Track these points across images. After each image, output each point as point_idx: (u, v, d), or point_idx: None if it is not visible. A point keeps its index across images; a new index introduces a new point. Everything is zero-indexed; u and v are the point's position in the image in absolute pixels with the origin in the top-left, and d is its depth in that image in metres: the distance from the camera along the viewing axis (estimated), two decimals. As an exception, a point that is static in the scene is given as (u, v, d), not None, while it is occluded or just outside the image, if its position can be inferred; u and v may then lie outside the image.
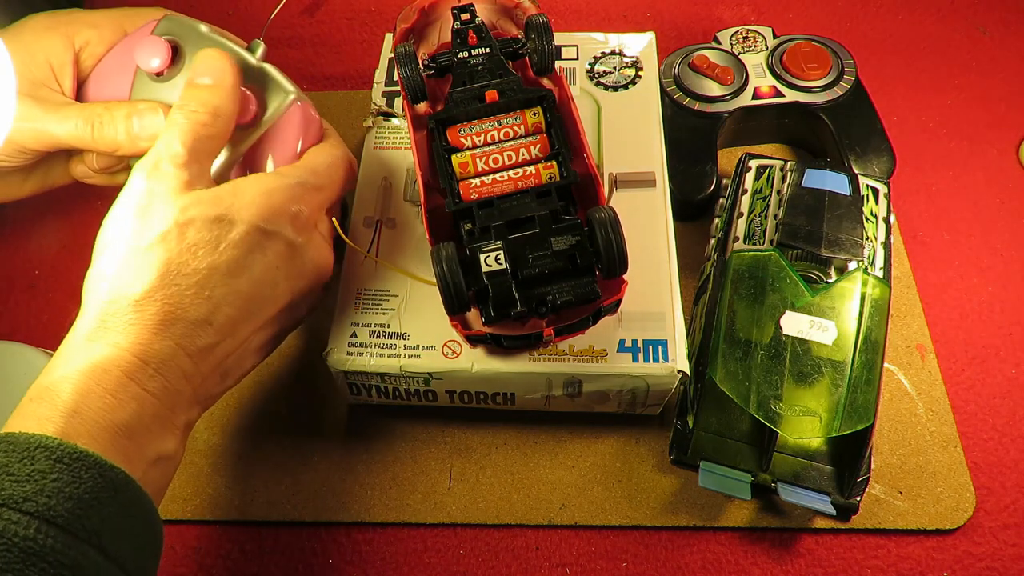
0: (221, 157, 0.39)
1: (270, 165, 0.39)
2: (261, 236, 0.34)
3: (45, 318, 0.50)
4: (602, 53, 0.50)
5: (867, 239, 0.41)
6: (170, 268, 0.32)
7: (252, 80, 0.39)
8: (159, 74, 0.39)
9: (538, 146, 0.38)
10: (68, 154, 0.44)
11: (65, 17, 0.40)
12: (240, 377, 0.37)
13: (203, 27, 0.40)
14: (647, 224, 0.42)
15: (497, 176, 0.37)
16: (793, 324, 0.39)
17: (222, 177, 0.39)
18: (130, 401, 0.30)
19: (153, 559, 0.29)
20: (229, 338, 0.34)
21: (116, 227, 0.33)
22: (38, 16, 0.40)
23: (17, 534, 0.24)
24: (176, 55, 0.39)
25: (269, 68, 0.39)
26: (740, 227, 0.43)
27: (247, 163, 0.40)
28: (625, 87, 0.48)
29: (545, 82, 0.42)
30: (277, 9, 0.44)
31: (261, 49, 0.40)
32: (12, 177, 0.43)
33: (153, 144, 0.36)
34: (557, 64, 0.44)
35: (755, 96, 0.52)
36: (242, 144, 0.39)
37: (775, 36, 0.55)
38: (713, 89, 0.52)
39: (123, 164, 0.43)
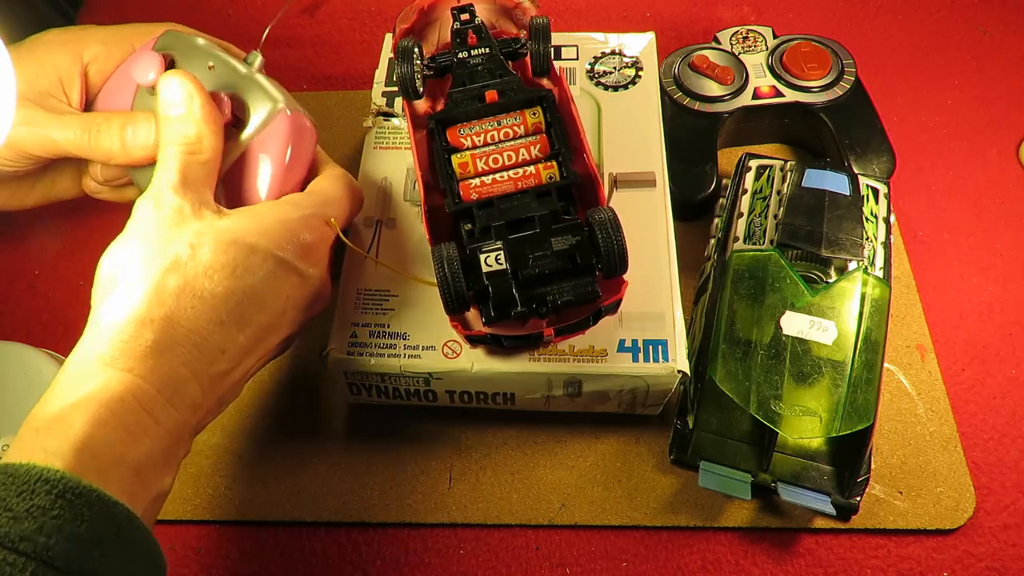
0: None
1: (262, 177, 0.39)
2: (276, 265, 0.34)
3: (45, 318, 0.50)
4: (602, 53, 0.50)
5: (867, 239, 0.41)
6: (186, 291, 0.31)
7: (242, 89, 0.39)
8: (155, 87, 0.39)
9: (538, 146, 0.38)
10: (76, 167, 0.45)
11: (76, 33, 0.41)
12: (227, 406, 0.36)
13: (200, 40, 0.39)
14: (647, 224, 0.42)
15: (497, 176, 0.37)
16: (793, 324, 0.39)
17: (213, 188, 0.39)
18: (143, 437, 0.29)
19: None
20: (238, 367, 0.34)
21: (126, 252, 0.33)
22: (51, 31, 0.41)
23: None
24: (172, 68, 0.39)
25: (259, 78, 0.39)
26: (740, 227, 0.43)
27: (237, 173, 0.39)
28: (625, 87, 0.48)
29: (545, 82, 0.42)
30: (275, 20, 0.43)
31: (259, 61, 0.39)
32: (19, 184, 0.43)
33: (146, 153, 0.37)
34: (557, 64, 0.44)
35: (755, 96, 0.52)
36: (230, 154, 0.39)
37: (775, 36, 0.55)
38: (713, 89, 0.52)
39: (127, 178, 0.43)
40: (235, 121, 0.39)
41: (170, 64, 0.39)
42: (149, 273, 0.32)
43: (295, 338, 0.38)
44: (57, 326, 0.50)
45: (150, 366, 0.30)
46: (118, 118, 0.39)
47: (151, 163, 0.38)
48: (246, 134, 0.38)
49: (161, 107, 0.36)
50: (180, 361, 0.31)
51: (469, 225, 0.36)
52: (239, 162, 0.39)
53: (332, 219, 0.38)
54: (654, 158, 0.45)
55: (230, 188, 0.39)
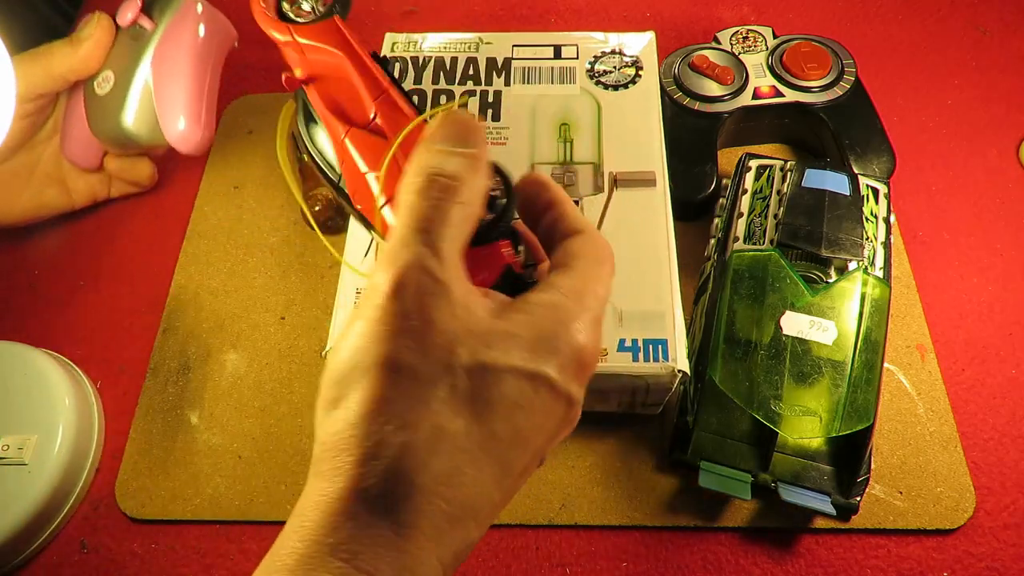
0: (130, 67, 0.44)
1: (177, 64, 0.43)
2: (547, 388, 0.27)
3: (45, 318, 0.50)
4: (602, 52, 0.50)
5: (867, 239, 0.41)
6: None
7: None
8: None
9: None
10: (60, 177, 0.50)
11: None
12: None
13: None
14: (647, 224, 0.42)
15: None
16: (793, 324, 0.39)
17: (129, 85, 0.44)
18: None
19: None
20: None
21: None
22: None
23: None
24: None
25: None
26: (740, 227, 0.43)
27: (154, 67, 0.44)
28: (625, 87, 0.48)
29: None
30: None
31: None
32: (7, 189, 0.48)
33: (93, 46, 0.44)
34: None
35: (755, 96, 0.52)
36: (145, 49, 0.43)
37: (775, 36, 0.55)
38: (713, 89, 0.52)
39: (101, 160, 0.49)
40: (150, 24, 0.44)
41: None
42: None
43: None
44: (57, 326, 0.50)
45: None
46: (67, 39, 0.45)
47: (94, 71, 0.45)
48: (160, 27, 0.43)
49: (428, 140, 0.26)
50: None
51: None
52: (155, 56, 0.44)
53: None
54: (654, 158, 0.45)
55: (155, 82, 0.44)
